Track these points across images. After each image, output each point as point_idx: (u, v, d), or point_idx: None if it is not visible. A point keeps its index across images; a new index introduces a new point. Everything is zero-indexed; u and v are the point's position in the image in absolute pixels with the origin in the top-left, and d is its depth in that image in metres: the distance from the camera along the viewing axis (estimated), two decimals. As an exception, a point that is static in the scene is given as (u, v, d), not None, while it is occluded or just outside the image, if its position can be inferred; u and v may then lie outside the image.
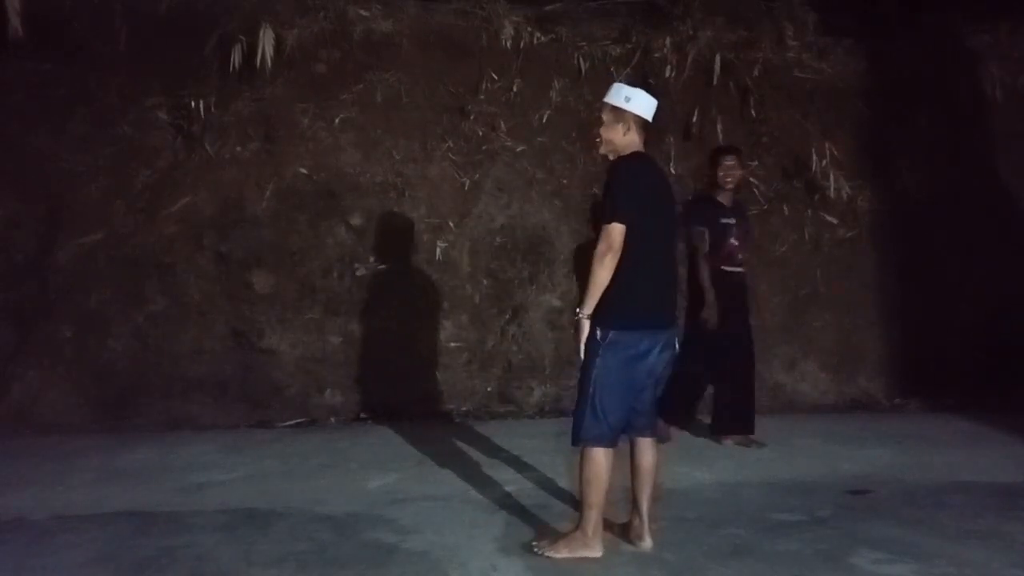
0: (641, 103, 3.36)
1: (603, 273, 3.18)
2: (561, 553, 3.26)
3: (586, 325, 3.23)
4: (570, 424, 3.33)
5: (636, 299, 3.23)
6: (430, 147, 6.41)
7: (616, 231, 3.17)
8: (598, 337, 3.22)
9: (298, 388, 6.02)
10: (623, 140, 3.36)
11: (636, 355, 3.25)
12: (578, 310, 3.25)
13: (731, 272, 5.07)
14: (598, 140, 3.43)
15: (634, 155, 3.35)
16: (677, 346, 3.44)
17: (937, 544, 3.39)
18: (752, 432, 5.15)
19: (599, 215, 3.29)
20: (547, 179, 6.53)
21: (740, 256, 5.11)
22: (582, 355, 3.26)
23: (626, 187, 3.23)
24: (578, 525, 3.30)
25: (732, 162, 5.08)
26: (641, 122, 3.38)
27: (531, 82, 6.58)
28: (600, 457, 3.22)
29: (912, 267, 6.73)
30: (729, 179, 5.06)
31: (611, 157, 3.39)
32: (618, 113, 3.36)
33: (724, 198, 5.09)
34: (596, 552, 3.24)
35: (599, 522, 3.26)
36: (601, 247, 3.18)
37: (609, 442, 3.24)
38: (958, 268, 6.64)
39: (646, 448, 3.40)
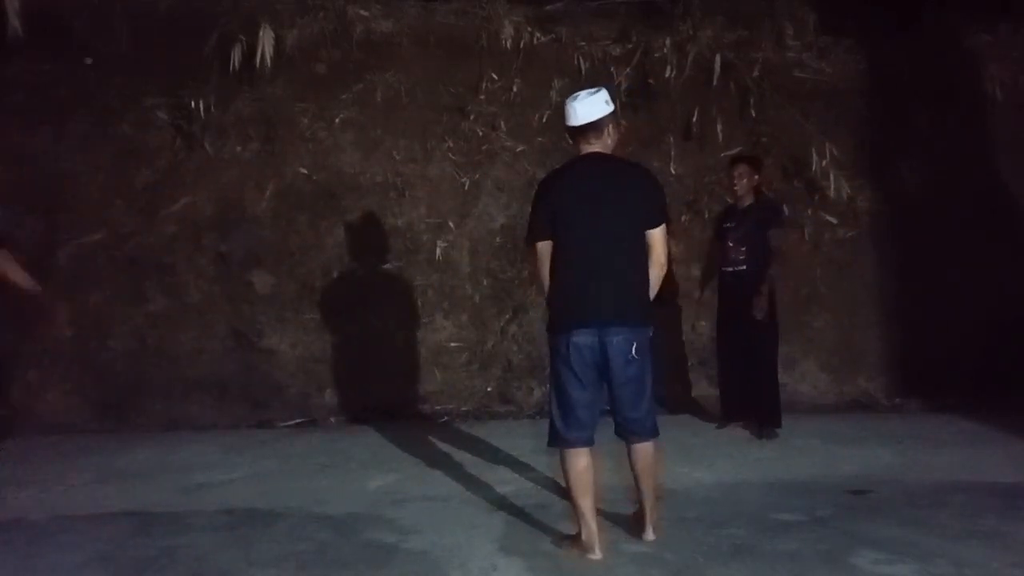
0: (567, 113, 3.35)
1: (542, 289, 3.38)
2: (564, 547, 3.31)
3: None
4: None
5: (561, 302, 3.26)
6: (430, 147, 6.40)
7: (533, 252, 3.34)
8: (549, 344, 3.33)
9: (298, 388, 6.03)
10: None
11: (570, 356, 3.20)
12: None
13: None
14: None
15: (555, 170, 3.48)
16: (634, 349, 3.20)
17: (937, 544, 3.38)
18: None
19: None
20: (547, 179, 6.52)
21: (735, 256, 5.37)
22: None
23: (535, 208, 3.36)
24: (578, 527, 3.30)
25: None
26: (570, 130, 3.38)
27: (531, 82, 6.57)
28: (571, 459, 3.22)
29: (912, 267, 6.72)
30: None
31: None
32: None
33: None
34: (594, 554, 3.21)
35: (592, 524, 3.22)
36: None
37: (576, 444, 3.22)
38: (958, 268, 6.62)
39: (636, 452, 3.36)
